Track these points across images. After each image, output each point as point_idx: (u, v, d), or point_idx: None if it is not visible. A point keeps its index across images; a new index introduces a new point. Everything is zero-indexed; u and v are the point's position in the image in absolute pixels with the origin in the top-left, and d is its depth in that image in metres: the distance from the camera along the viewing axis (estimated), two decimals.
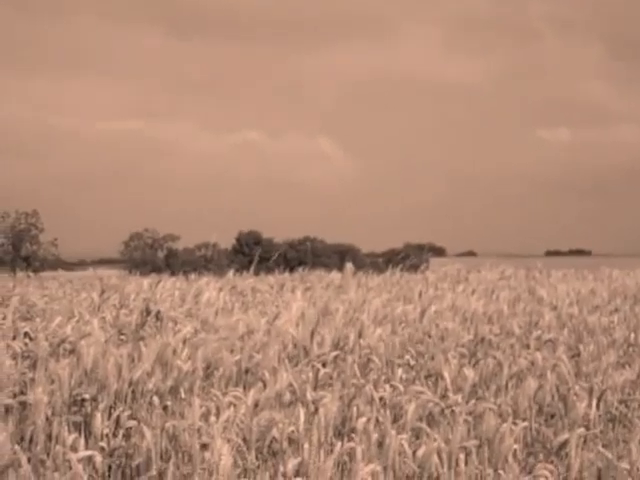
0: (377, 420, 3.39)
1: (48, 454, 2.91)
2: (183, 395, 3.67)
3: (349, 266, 8.54)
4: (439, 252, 32.59)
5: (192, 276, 9.84)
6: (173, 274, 10.70)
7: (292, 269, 13.44)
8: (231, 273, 7.65)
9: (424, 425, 3.40)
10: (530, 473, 2.80)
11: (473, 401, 3.82)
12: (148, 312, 4.91)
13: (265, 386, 3.76)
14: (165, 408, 3.51)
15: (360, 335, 4.88)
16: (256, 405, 3.46)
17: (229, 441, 2.53)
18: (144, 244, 33.71)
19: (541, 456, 3.29)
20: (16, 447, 2.49)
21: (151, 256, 32.22)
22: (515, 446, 3.28)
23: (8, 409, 3.31)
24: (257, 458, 2.96)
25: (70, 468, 2.64)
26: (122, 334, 4.78)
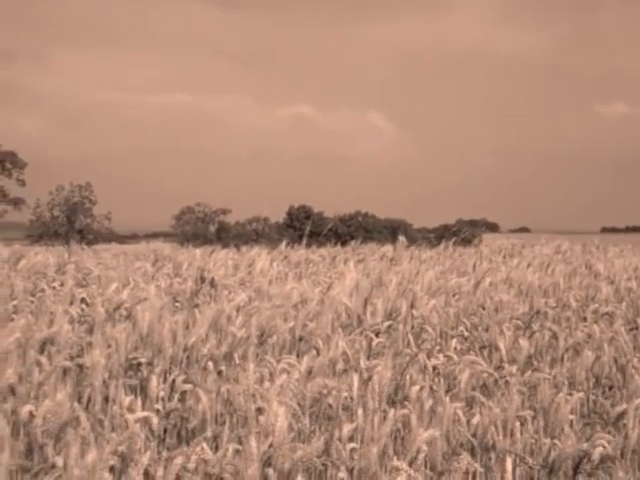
0: (431, 388, 3.37)
1: (105, 415, 2.95)
2: (237, 361, 3.69)
3: (402, 239, 8.47)
4: (492, 228, 32.35)
5: (244, 248, 9.87)
6: (224, 247, 10.73)
7: (343, 244, 13.41)
8: (283, 244, 7.65)
9: (478, 394, 3.38)
10: (587, 442, 2.75)
11: (528, 372, 3.78)
12: (202, 279, 4.95)
13: (318, 354, 3.76)
14: (219, 373, 3.53)
15: (413, 306, 4.86)
16: (309, 372, 3.46)
17: (284, 405, 2.53)
18: (195, 218, 33.94)
19: (598, 427, 3.24)
20: (75, 405, 2.53)
21: (202, 230, 32.45)
22: (571, 417, 3.24)
23: (66, 371, 3.35)
24: (311, 423, 2.97)
25: (127, 428, 2.66)
26: (176, 301, 4.83)
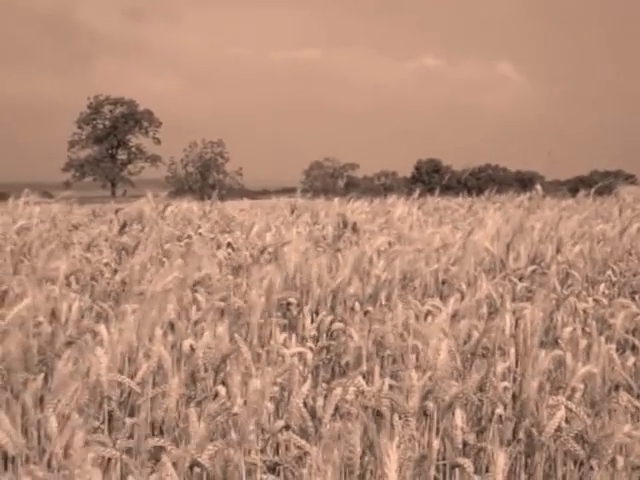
0: (583, 330, 3.31)
1: (261, 350, 3.02)
2: (383, 302, 3.72)
3: (538, 188, 8.31)
4: (629, 180, 31.23)
5: (376, 200, 9.88)
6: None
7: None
8: (417, 193, 7.61)
9: (632, 338, 3.30)
10: None
11: None
12: (344, 224, 4.99)
13: (463, 297, 3.74)
14: (366, 313, 3.56)
15: (558, 251, 4.77)
16: (455, 315, 3.45)
17: (442, 341, 2.52)
18: (324, 173, 34.26)
19: None
20: (237, 336, 2.60)
21: (331, 184, 32.71)
22: None
23: (220, 311, 3.46)
24: (463, 362, 2.96)
25: (283, 363, 2.73)
26: (318, 246, 4.89)
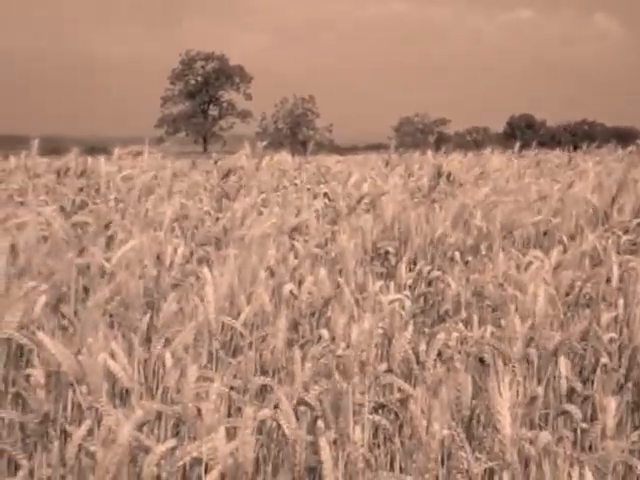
0: None
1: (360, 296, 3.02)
2: (484, 252, 3.67)
3: None
4: None
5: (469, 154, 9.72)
6: None
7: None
8: (517, 146, 7.47)
9: None
10: None
11: None
12: (439, 175, 4.94)
13: (565, 249, 3.67)
14: (466, 264, 3.53)
15: None
16: (558, 266, 3.39)
17: (542, 288, 2.48)
18: (414, 129, 33.93)
19: None
20: (339, 279, 2.61)
21: (422, 140, 32.41)
22: None
23: (317, 258, 3.47)
24: (567, 311, 2.91)
25: (381, 310, 2.72)
26: (414, 198, 4.86)
